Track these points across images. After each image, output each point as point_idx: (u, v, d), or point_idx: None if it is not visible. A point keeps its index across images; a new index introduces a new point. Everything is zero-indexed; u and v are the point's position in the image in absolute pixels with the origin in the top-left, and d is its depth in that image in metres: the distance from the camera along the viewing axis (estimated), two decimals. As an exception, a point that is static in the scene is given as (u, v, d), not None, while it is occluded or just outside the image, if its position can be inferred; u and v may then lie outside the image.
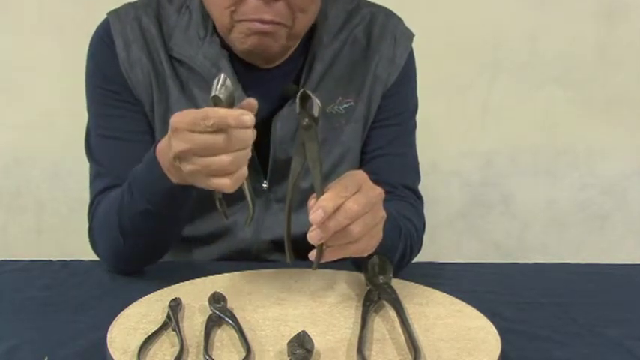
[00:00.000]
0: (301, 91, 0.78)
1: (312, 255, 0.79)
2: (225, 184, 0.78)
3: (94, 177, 1.05)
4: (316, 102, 0.77)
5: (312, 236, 0.76)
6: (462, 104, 1.90)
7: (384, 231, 0.85)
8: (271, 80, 1.02)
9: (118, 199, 0.95)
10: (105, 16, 1.05)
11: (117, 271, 1.00)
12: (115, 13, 1.04)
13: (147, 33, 1.02)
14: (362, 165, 1.09)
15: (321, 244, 0.78)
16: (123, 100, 1.03)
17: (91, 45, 1.06)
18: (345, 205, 0.76)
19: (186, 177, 0.82)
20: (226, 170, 0.77)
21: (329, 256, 0.79)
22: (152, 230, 0.94)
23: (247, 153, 0.78)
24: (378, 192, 0.81)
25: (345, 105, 1.05)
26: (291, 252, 0.82)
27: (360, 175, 0.81)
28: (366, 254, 0.84)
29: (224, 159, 0.76)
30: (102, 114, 1.05)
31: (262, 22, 0.93)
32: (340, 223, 0.76)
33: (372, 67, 1.06)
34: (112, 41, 1.02)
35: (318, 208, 0.75)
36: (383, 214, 0.82)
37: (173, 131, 0.79)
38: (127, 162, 0.99)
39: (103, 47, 1.03)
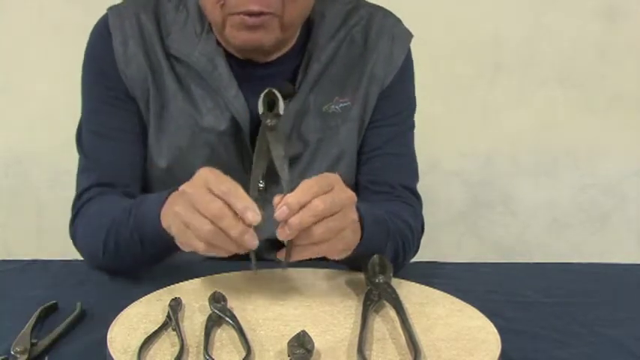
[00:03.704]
0: (266, 90, 0.77)
1: (281, 254, 0.80)
2: (196, 247, 0.79)
3: (82, 170, 1.06)
4: (280, 99, 0.77)
5: (279, 233, 0.78)
6: (462, 104, 1.90)
7: (367, 232, 0.86)
8: (267, 78, 1.02)
9: (115, 215, 0.95)
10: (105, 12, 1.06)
11: (91, 267, 1.01)
12: (114, 9, 1.05)
13: (145, 29, 1.03)
14: (359, 165, 1.09)
15: (290, 243, 0.79)
16: (115, 96, 1.04)
17: (89, 39, 1.07)
18: (311, 203, 0.77)
19: (170, 219, 0.83)
20: (202, 237, 0.78)
21: (295, 256, 0.80)
22: (132, 258, 0.95)
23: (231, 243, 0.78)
24: (349, 195, 0.82)
25: (341, 105, 1.06)
26: (256, 260, 0.82)
27: (333, 177, 0.81)
28: (335, 257, 0.85)
29: (206, 227, 0.77)
30: (93, 109, 1.06)
31: (251, 14, 0.93)
32: (304, 220, 0.77)
33: (369, 66, 1.06)
34: (110, 36, 1.03)
35: (283, 205, 0.77)
36: (353, 217, 0.83)
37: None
38: (114, 160, 1.03)
39: (101, 41, 1.04)
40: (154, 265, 0.97)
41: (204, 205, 0.77)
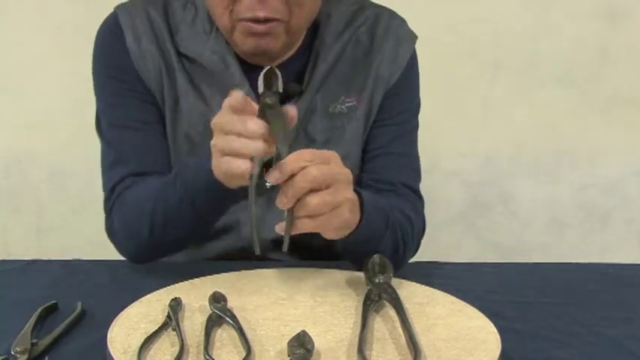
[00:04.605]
0: (265, 69, 0.78)
1: (280, 228, 0.81)
2: (236, 167, 0.80)
3: (110, 165, 1.05)
4: (280, 76, 0.77)
5: (278, 202, 0.80)
6: (463, 104, 1.91)
7: (366, 215, 0.87)
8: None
9: (157, 187, 0.96)
10: (106, 13, 1.06)
11: (131, 259, 1.02)
12: (122, 7, 1.05)
13: (155, 25, 1.03)
14: (363, 164, 1.10)
15: (291, 219, 0.80)
16: (135, 90, 1.04)
17: (98, 36, 1.06)
18: (305, 169, 0.78)
19: (214, 158, 0.83)
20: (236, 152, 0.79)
21: (292, 229, 0.81)
22: (183, 224, 0.95)
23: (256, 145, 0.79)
24: (346, 172, 0.83)
25: (347, 104, 1.06)
26: (258, 242, 0.82)
27: (331, 153, 0.82)
28: (333, 236, 0.86)
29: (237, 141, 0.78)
30: (112, 103, 1.06)
31: (257, 21, 0.94)
32: (299, 185, 0.78)
33: (375, 66, 1.07)
34: (122, 33, 1.03)
35: (275, 169, 0.78)
36: (348, 196, 0.83)
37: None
38: (142, 150, 1.02)
39: (113, 39, 1.04)
40: (204, 231, 0.99)
41: (233, 126, 0.78)
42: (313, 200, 0.79)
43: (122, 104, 1.04)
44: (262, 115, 0.79)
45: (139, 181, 1.01)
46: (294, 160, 0.79)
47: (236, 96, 0.79)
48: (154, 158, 1.04)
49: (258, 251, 0.82)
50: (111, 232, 1.04)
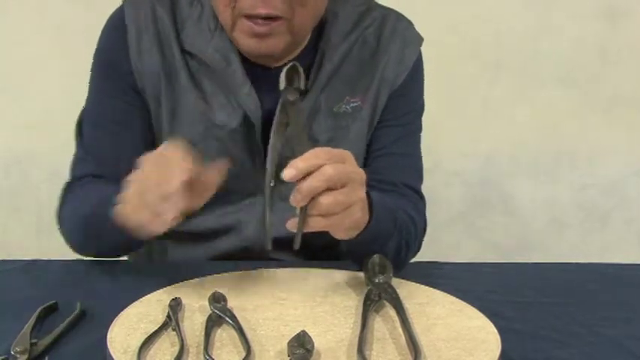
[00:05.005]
0: (289, 65, 0.78)
1: (291, 225, 0.81)
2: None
3: (78, 160, 1.07)
4: (302, 73, 0.77)
5: (292, 199, 0.79)
6: (464, 104, 1.91)
7: (376, 215, 0.87)
8: (278, 78, 1.02)
9: (100, 196, 0.96)
10: (106, 13, 1.05)
11: (75, 252, 1.05)
12: (130, 1, 1.05)
13: (160, 23, 1.03)
14: (366, 164, 1.10)
15: (303, 216, 0.79)
16: (122, 90, 1.03)
17: (103, 30, 1.06)
18: (321, 168, 0.78)
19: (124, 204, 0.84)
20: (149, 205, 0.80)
21: (303, 226, 0.81)
22: (115, 243, 0.98)
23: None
24: (359, 171, 0.83)
25: (352, 104, 1.06)
26: (271, 240, 0.82)
27: (346, 152, 0.82)
28: (342, 236, 0.86)
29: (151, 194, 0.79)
30: (98, 101, 1.06)
31: (258, 20, 0.93)
32: (314, 184, 0.77)
33: (380, 67, 1.07)
34: (125, 28, 1.02)
35: (291, 167, 0.77)
36: (361, 196, 0.83)
37: None
38: (111, 153, 1.03)
39: (115, 34, 1.04)
40: (136, 249, 1.04)
41: (151, 177, 0.80)
42: (327, 199, 0.79)
43: (106, 104, 1.05)
44: (283, 111, 0.79)
45: (87, 184, 1.04)
46: (310, 158, 0.78)
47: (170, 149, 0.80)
48: (122, 163, 1.02)
49: (269, 246, 0.82)
50: (59, 219, 1.08)
